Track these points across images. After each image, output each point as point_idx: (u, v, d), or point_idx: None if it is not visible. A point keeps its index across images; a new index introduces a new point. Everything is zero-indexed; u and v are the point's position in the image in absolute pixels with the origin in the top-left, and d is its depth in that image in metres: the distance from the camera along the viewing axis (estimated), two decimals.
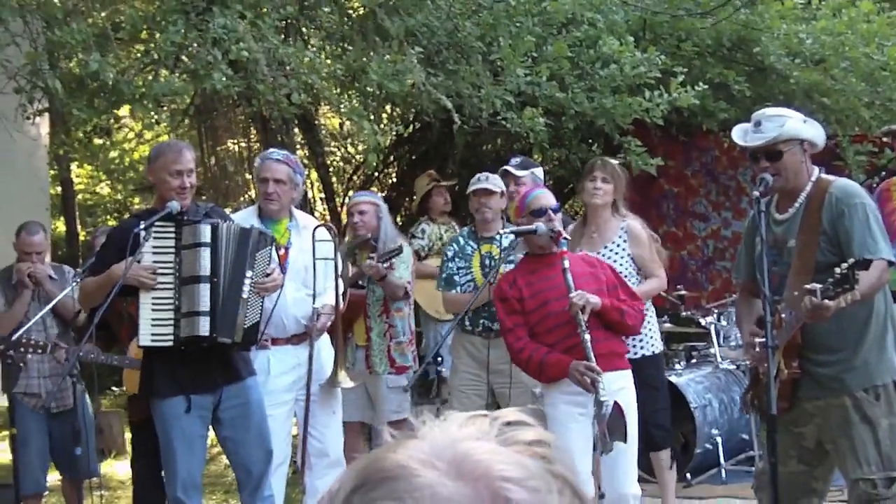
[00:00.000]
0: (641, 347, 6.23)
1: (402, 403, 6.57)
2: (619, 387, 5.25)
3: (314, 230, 6.06)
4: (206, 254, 5.21)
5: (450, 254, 6.44)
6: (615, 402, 4.95)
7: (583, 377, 5.02)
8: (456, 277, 6.37)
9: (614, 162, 6.52)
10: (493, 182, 6.36)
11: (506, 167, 6.79)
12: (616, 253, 6.16)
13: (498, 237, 6.03)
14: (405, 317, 6.76)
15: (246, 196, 13.44)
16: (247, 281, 5.28)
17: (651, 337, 6.35)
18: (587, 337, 5.03)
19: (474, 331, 6.28)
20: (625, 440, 5.00)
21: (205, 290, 5.19)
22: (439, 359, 5.80)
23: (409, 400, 6.58)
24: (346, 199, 14.16)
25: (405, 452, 0.95)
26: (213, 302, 5.20)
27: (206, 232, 5.22)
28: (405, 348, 6.72)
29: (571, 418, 5.16)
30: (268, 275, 5.37)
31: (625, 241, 6.23)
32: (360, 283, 6.66)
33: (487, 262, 6.29)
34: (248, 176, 13.19)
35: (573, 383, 5.09)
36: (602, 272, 5.42)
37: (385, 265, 6.37)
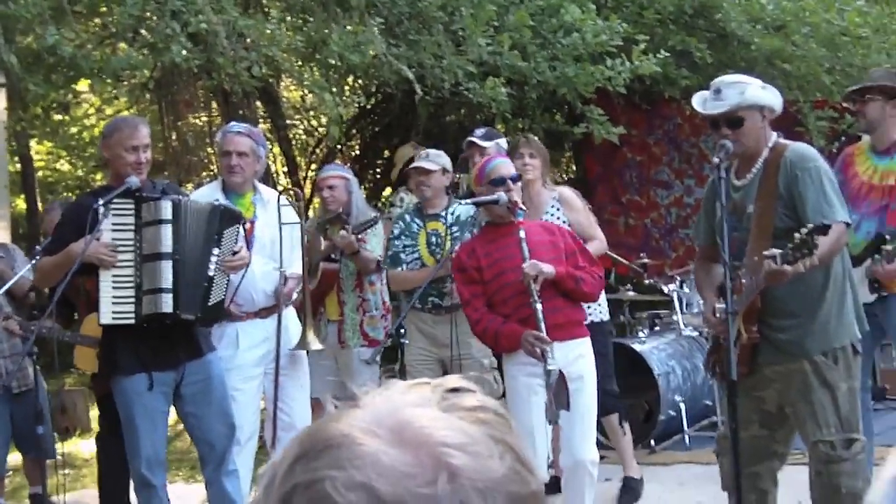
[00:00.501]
0: (589, 314, 6.27)
1: (373, 377, 6.57)
2: (577, 354, 5.26)
3: (278, 197, 6.06)
4: (167, 231, 5.17)
5: (396, 232, 6.43)
6: (559, 371, 4.97)
7: (533, 347, 5.04)
8: (402, 255, 6.36)
9: (535, 139, 6.64)
10: (433, 160, 6.37)
11: (471, 138, 6.79)
12: (552, 222, 6.17)
13: (446, 212, 6.07)
14: (378, 291, 6.75)
15: (209, 171, 13.36)
16: (213, 259, 5.26)
17: (599, 304, 6.43)
18: (538, 307, 5.03)
19: (424, 308, 6.30)
20: (567, 408, 5.01)
21: (167, 267, 5.17)
22: (402, 330, 5.80)
23: (378, 373, 6.59)
24: (309, 173, 14.17)
25: (347, 421, 0.96)
26: (176, 279, 5.17)
27: (167, 209, 5.19)
28: (377, 322, 6.72)
29: (531, 390, 5.16)
30: (235, 252, 5.35)
31: (558, 208, 6.33)
32: (333, 256, 6.64)
33: (434, 239, 6.31)
34: (210, 151, 13.12)
35: (525, 353, 5.11)
36: (561, 239, 5.43)
37: (357, 237, 6.37)
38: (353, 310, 6.67)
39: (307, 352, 6.16)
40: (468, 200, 5.70)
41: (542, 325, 5.01)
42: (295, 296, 6.18)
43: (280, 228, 5.94)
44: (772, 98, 4.60)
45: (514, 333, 5.12)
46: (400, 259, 6.36)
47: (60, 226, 5.44)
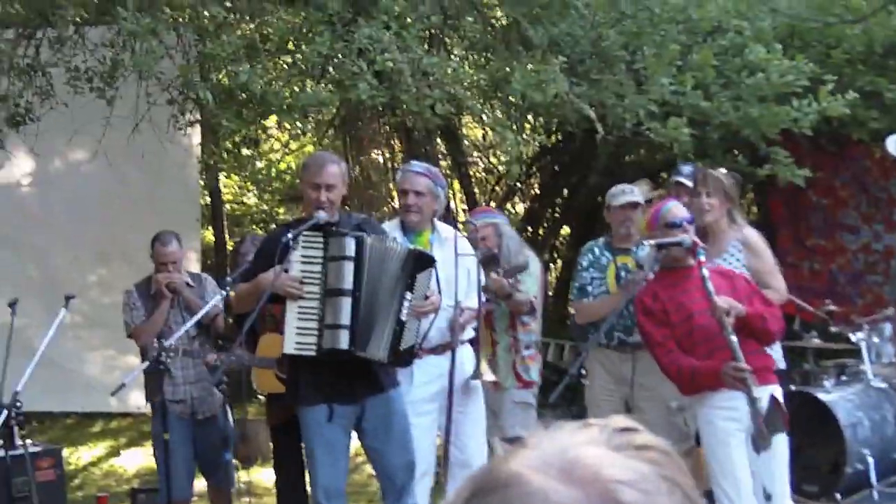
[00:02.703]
0: None
1: (527, 419, 6.53)
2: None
3: (455, 234, 6.08)
4: (349, 267, 5.24)
5: (584, 263, 6.37)
6: (771, 395, 4.88)
7: (735, 378, 4.93)
8: (589, 287, 6.31)
9: (716, 172, 6.31)
10: (639, 194, 6.32)
11: (678, 178, 6.69)
12: (731, 265, 5.98)
13: (636, 249, 5.96)
14: (531, 331, 6.71)
15: (389, 206, 13.54)
16: (405, 303, 5.32)
17: (774, 351, 6.18)
18: (734, 339, 4.96)
19: (609, 345, 6.21)
20: (784, 430, 4.92)
21: (346, 303, 5.22)
22: (583, 370, 5.78)
23: (534, 416, 6.55)
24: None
25: (516, 461, 0.98)
26: (355, 316, 5.23)
27: (350, 245, 5.25)
28: (528, 363, 6.67)
29: (729, 433, 5.09)
30: (427, 297, 5.41)
31: (740, 250, 6.06)
32: (487, 297, 6.62)
33: (623, 273, 6.22)
34: (392, 186, 13.29)
35: (727, 387, 5.01)
36: (738, 282, 5.35)
37: (511, 281, 6.34)
38: (506, 350, 6.64)
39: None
40: (651, 242, 5.57)
41: (740, 355, 4.94)
42: (471, 331, 6.17)
43: (456, 264, 5.95)
44: None
45: (713, 369, 5.05)
46: (587, 291, 6.30)
47: (255, 256, 5.59)
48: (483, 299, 6.10)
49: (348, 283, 5.23)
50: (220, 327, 6.72)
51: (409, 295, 5.33)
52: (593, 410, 6.28)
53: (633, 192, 6.32)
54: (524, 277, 6.49)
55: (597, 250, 6.39)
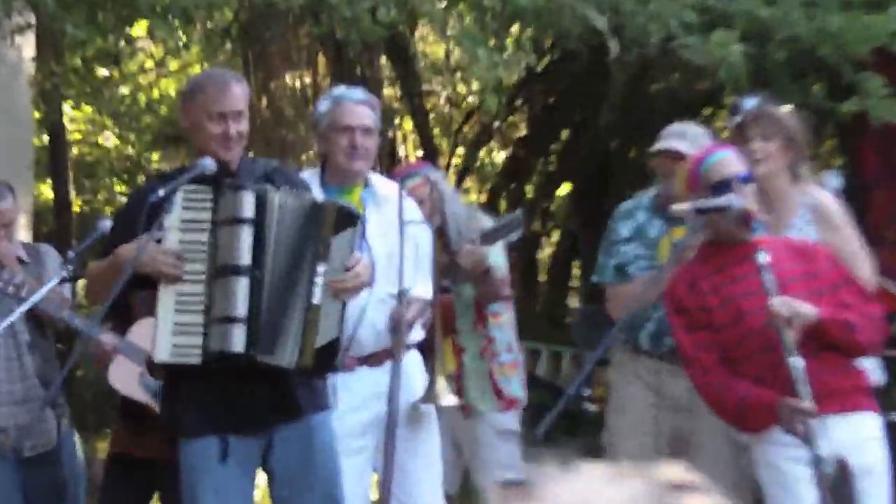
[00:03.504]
0: None
1: (512, 455, 6.57)
2: (863, 436, 5.17)
3: (400, 191, 6.08)
4: (245, 234, 5.17)
5: (624, 232, 6.34)
6: (839, 461, 4.88)
7: (792, 421, 4.96)
8: (630, 268, 6.29)
9: (775, 109, 6.24)
10: (692, 138, 6.23)
11: (736, 117, 6.37)
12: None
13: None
14: (505, 324, 6.73)
15: (309, 154, 13.54)
16: (318, 279, 5.25)
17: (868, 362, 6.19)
18: (798, 364, 4.94)
19: (654, 352, 6.23)
20: None
21: (241, 286, 5.17)
22: (586, 392, 5.73)
23: (517, 451, 6.58)
24: (454, 159, 14.27)
25: None
26: (255, 305, 5.19)
27: (248, 203, 5.19)
28: (509, 372, 6.70)
29: (798, 480, 5.08)
30: (349, 268, 5.32)
31: (809, 222, 5.99)
32: (443, 284, 6.62)
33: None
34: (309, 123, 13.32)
35: (786, 429, 5.02)
36: (820, 265, 5.31)
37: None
38: (476, 356, 6.67)
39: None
40: (685, 206, 5.50)
41: (803, 387, 4.92)
42: (420, 331, 6.19)
43: (402, 234, 5.96)
44: None
45: (767, 403, 5.03)
46: (626, 272, 6.27)
47: (115, 220, 5.51)
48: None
49: (245, 256, 5.17)
50: (58, 327, 6.70)
51: (321, 267, 5.26)
52: (621, 445, 6.27)
53: (684, 137, 6.26)
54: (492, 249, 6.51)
55: (641, 215, 6.34)
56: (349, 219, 5.39)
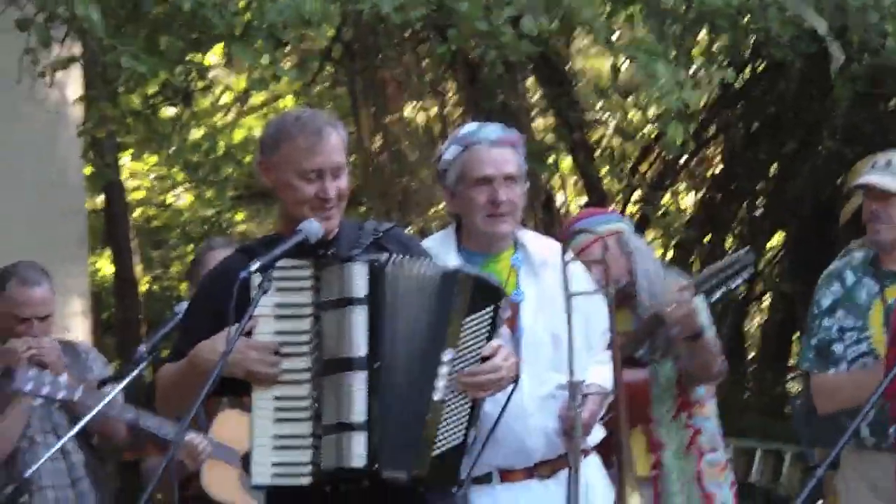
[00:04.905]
0: None
1: None
2: None
3: (563, 252, 6.10)
4: (359, 318, 5.18)
5: (825, 303, 6.40)
6: None
7: None
8: (838, 346, 6.30)
9: None
10: None
11: None
12: None
13: None
14: (711, 415, 6.77)
15: (439, 208, 13.53)
16: (442, 369, 5.23)
17: None
18: None
19: (881, 444, 6.21)
20: None
21: (359, 382, 5.17)
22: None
23: None
24: (629, 206, 14.24)
25: None
26: (380, 407, 5.17)
27: (359, 278, 5.18)
28: (719, 474, 6.73)
29: None
30: (486, 358, 5.30)
31: None
32: (637, 356, 6.64)
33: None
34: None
35: None
36: None
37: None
38: (679, 454, 6.71)
39: None
40: None
41: None
42: (600, 431, 6.23)
43: (569, 308, 6.00)
44: None
45: None
46: (834, 354, 6.28)
47: (189, 308, 5.61)
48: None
49: (361, 346, 5.18)
50: (119, 438, 6.81)
51: (447, 355, 5.25)
52: None
53: (885, 168, 6.29)
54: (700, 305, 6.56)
55: (850, 275, 6.38)
56: (489, 294, 5.36)
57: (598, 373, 6.07)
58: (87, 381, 6.62)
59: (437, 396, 5.22)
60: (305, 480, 5.18)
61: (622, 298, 6.55)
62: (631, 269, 6.65)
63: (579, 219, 7.52)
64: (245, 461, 6.05)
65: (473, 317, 5.29)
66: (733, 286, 6.49)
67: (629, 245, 6.75)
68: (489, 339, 5.31)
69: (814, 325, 6.38)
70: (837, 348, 6.26)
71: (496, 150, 6.12)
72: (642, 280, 6.61)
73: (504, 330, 5.53)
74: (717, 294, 6.53)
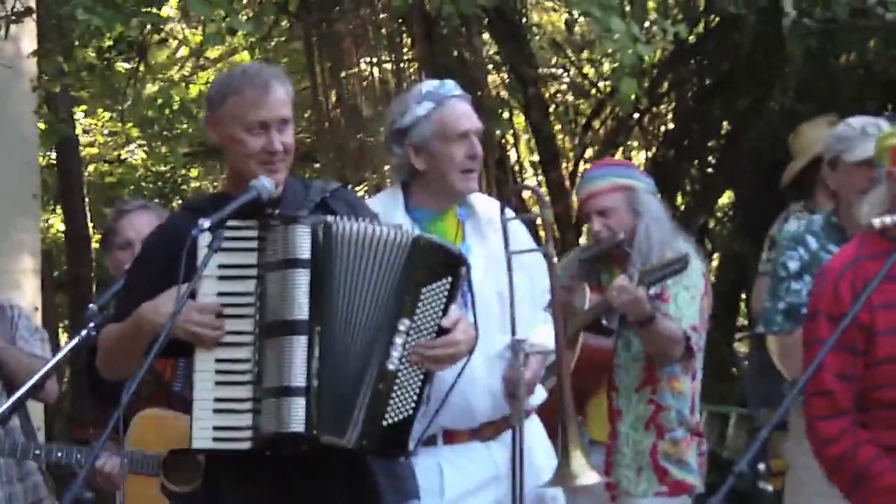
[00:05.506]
0: None
1: None
2: None
3: (502, 209, 6.09)
4: (302, 280, 5.14)
5: (792, 266, 6.43)
6: None
7: None
8: (804, 310, 6.29)
9: None
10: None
11: None
12: None
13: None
14: (686, 392, 6.77)
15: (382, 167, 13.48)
16: (397, 339, 5.23)
17: None
18: None
19: None
20: None
21: (299, 347, 5.13)
22: (761, 467, 5.70)
23: None
24: (582, 164, 14.23)
25: None
26: (320, 371, 5.15)
27: (303, 240, 5.15)
28: (684, 449, 6.73)
29: None
30: (442, 329, 5.28)
31: None
32: (605, 323, 6.65)
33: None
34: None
35: None
36: None
37: (652, 291, 6.39)
38: (637, 425, 6.75)
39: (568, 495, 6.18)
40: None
41: None
42: (542, 392, 6.22)
43: (509, 265, 5.99)
44: None
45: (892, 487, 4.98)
46: (800, 314, 6.27)
47: (133, 267, 5.60)
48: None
49: (302, 309, 5.15)
50: (51, 398, 6.78)
51: (403, 324, 5.21)
52: None
53: (877, 130, 6.27)
54: (675, 290, 6.62)
55: (813, 240, 6.42)
56: (449, 262, 5.35)
57: (542, 332, 6.08)
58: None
59: (391, 367, 5.20)
60: (245, 445, 5.16)
61: (617, 256, 6.68)
62: (635, 228, 6.63)
63: (600, 166, 7.66)
64: (164, 465, 6.07)
65: (432, 286, 5.27)
66: (668, 282, 6.55)
67: (639, 204, 6.72)
68: (446, 309, 5.28)
69: (780, 289, 6.40)
70: (803, 312, 6.20)
71: (465, 105, 6.17)
72: (641, 243, 6.59)
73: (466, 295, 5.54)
74: (664, 283, 6.62)
